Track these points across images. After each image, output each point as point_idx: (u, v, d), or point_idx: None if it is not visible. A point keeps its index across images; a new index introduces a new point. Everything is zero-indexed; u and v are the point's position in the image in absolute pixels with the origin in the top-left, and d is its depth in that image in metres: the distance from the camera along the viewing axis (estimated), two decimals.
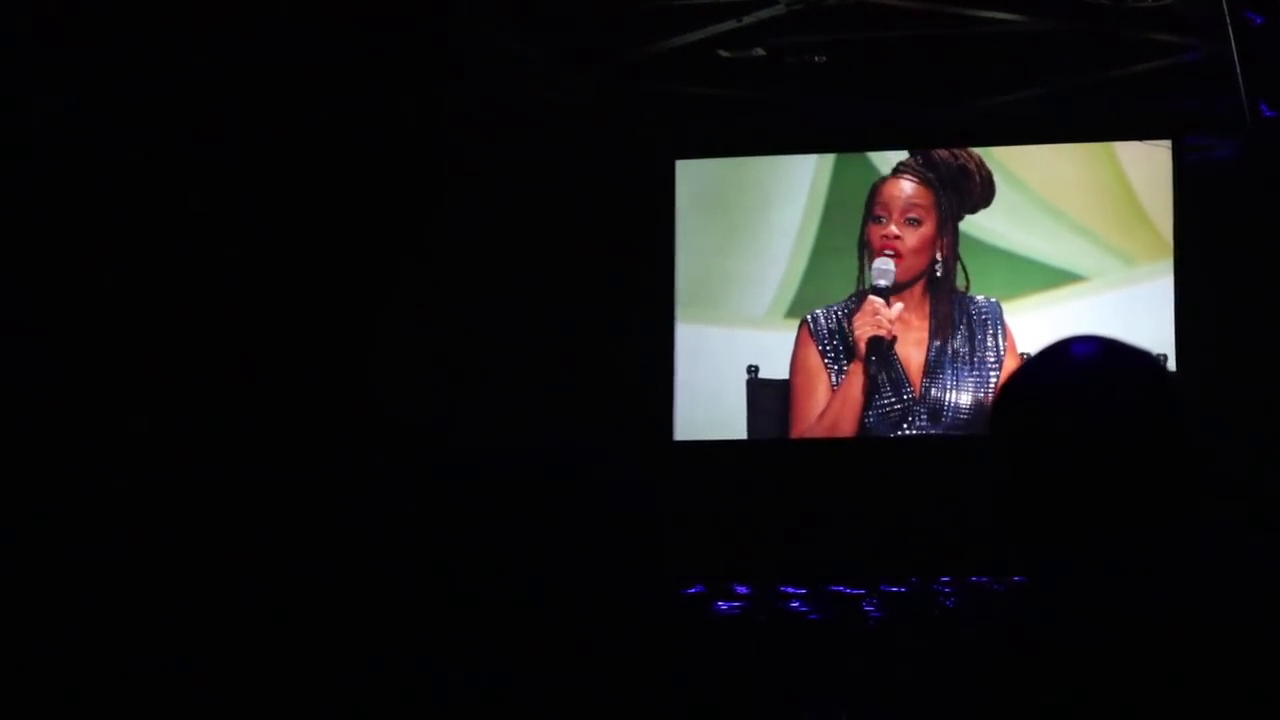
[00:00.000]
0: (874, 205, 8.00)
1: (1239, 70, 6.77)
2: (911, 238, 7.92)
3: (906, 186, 7.99)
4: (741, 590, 6.68)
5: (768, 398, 8.09)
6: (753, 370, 8.12)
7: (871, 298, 7.86)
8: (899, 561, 7.23)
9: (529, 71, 7.61)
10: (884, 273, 7.85)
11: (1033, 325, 7.81)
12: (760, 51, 7.48)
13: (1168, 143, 7.86)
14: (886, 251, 7.88)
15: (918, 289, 7.91)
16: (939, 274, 7.90)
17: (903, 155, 8.05)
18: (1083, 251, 7.94)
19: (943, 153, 8.00)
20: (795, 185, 8.22)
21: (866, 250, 7.96)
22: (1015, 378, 1.98)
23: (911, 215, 7.94)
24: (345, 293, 6.98)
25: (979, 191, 7.98)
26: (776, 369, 8.09)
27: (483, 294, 7.93)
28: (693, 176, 8.35)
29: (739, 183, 8.32)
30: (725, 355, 8.16)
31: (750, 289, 8.20)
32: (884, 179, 8.05)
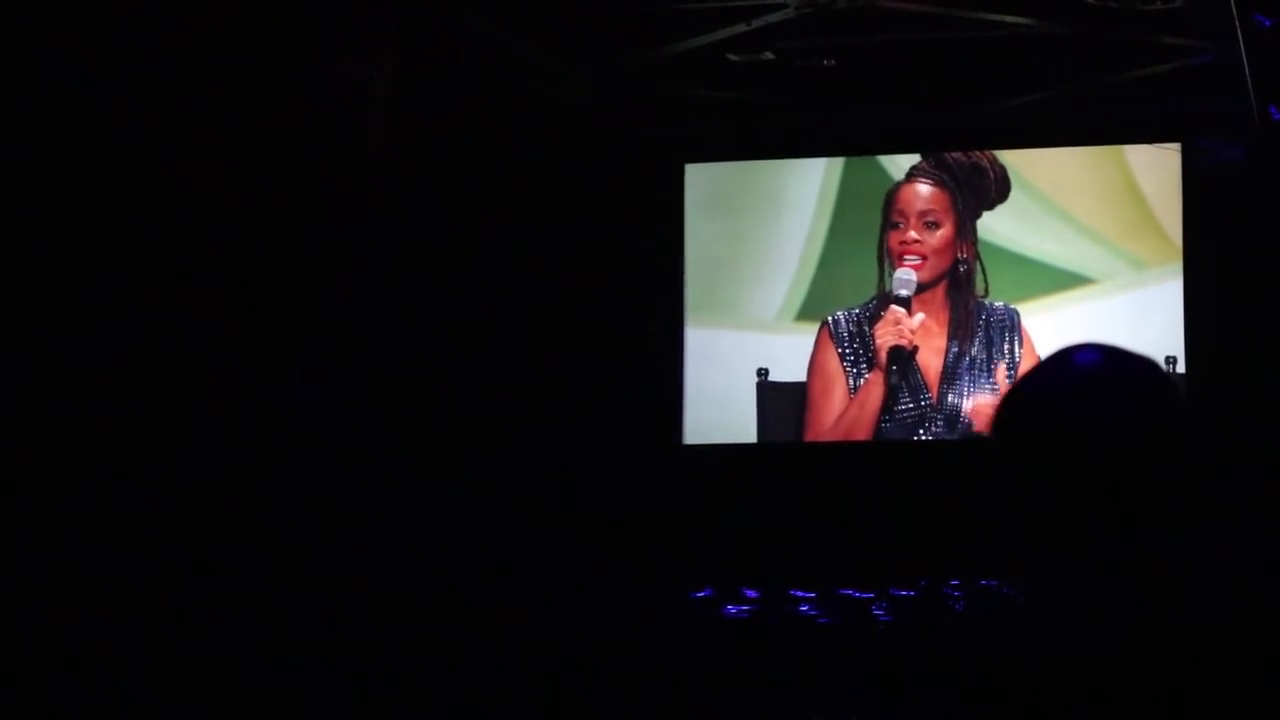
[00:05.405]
0: (891, 212, 8.00)
1: (1248, 73, 6.76)
2: (931, 240, 7.91)
3: (922, 190, 7.99)
4: (751, 594, 6.68)
5: (778, 401, 8.09)
6: (763, 373, 8.12)
7: (894, 307, 7.84)
8: (908, 565, 7.22)
9: (539, 75, 7.62)
10: (905, 283, 7.83)
11: (1043, 328, 7.81)
12: (769, 55, 7.49)
13: (1177, 145, 7.85)
14: (907, 258, 7.87)
15: (939, 293, 7.89)
16: (961, 276, 7.89)
17: (913, 158, 8.04)
18: (1092, 254, 7.93)
19: (956, 153, 8.00)
20: (805, 188, 8.21)
21: (886, 256, 7.95)
22: (1019, 386, 1.99)
23: (929, 219, 7.94)
24: (351, 294, 6.99)
25: (995, 188, 7.98)
26: (786, 372, 8.08)
27: (492, 297, 7.93)
28: (702, 180, 8.35)
29: (748, 186, 8.32)
30: (735, 358, 8.16)
31: (760, 292, 8.19)
32: (899, 185, 8.04)
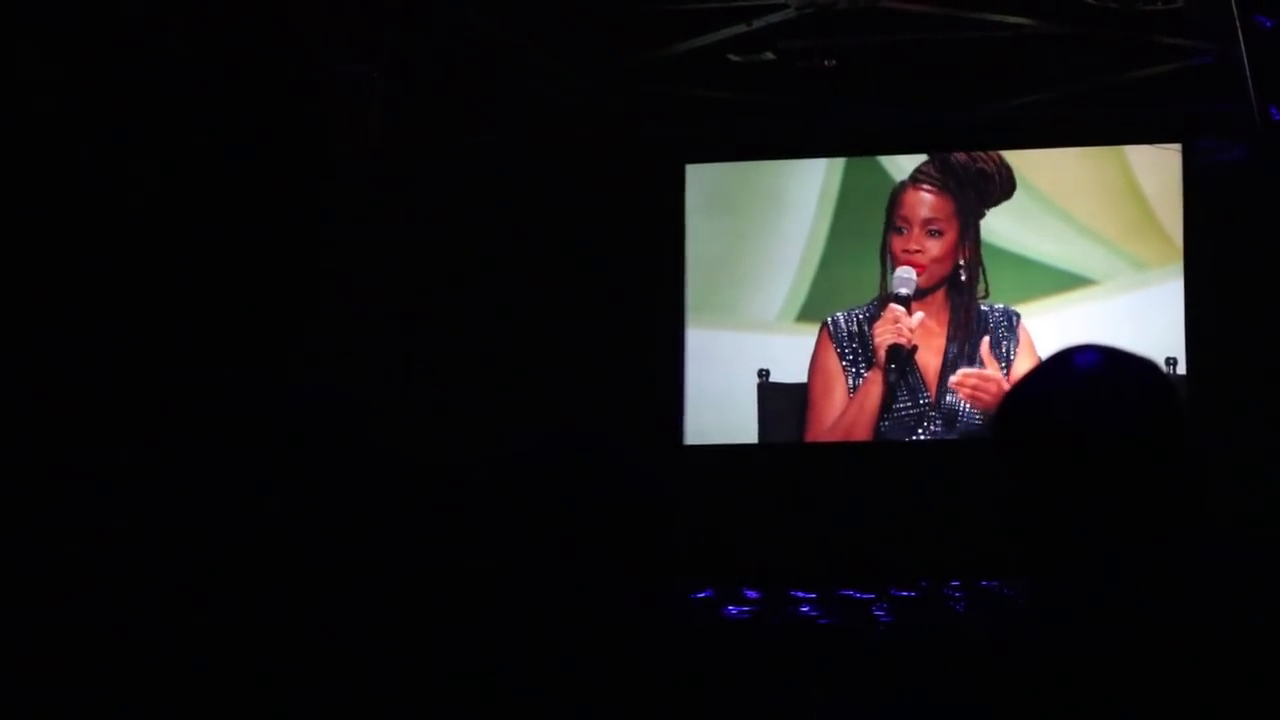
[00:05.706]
0: (895, 216, 7.98)
1: (1249, 74, 6.76)
2: (934, 248, 7.89)
3: (926, 197, 7.96)
4: (751, 595, 6.67)
5: (779, 401, 8.08)
6: (764, 374, 8.11)
7: (893, 305, 7.83)
8: (908, 566, 7.22)
9: (539, 75, 7.62)
10: (906, 281, 7.82)
11: (1044, 329, 7.80)
12: (770, 56, 7.48)
13: (1178, 146, 7.84)
14: (909, 263, 7.86)
15: (939, 295, 7.88)
16: (962, 279, 7.89)
17: (915, 159, 8.02)
18: (1093, 255, 7.92)
19: (960, 156, 7.98)
20: (805, 189, 8.20)
21: (888, 258, 7.94)
22: (1019, 388, 1.99)
23: (933, 227, 7.92)
24: (353, 294, 6.98)
25: (999, 190, 7.97)
26: (787, 373, 8.08)
27: (492, 298, 7.93)
28: (703, 180, 8.34)
29: (749, 187, 8.32)
30: (736, 359, 8.15)
31: (761, 293, 8.19)
32: (904, 188, 8.00)
